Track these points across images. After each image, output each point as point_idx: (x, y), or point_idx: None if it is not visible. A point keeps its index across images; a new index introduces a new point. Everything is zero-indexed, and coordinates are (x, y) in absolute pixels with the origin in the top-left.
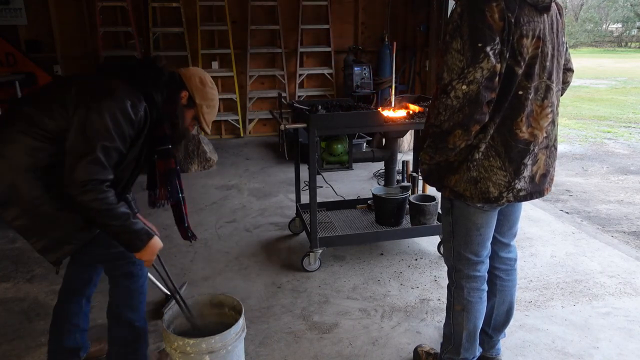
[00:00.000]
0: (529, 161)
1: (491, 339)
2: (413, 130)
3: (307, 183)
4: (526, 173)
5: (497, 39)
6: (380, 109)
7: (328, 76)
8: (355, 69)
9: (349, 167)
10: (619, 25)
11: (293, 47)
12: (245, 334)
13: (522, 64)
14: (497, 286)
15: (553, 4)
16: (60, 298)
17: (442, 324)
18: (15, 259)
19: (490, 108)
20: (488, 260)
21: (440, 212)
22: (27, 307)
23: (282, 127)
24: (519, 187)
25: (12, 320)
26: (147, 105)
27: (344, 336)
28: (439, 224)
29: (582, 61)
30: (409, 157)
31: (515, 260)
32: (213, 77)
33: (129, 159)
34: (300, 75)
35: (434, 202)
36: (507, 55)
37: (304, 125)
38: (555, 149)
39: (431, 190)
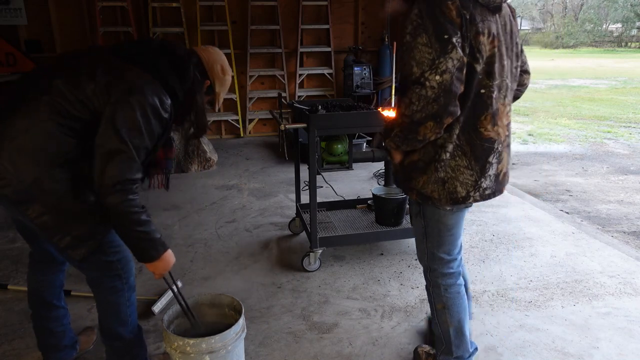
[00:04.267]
0: (494, 159)
1: None
2: None
3: (307, 183)
4: (491, 171)
5: (459, 33)
6: (380, 109)
7: (328, 76)
8: (355, 69)
9: (349, 167)
10: (619, 25)
11: (293, 47)
12: (245, 334)
13: (480, 61)
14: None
15: (505, 6)
16: (40, 311)
17: None
18: (15, 259)
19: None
20: (460, 256)
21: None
22: (27, 307)
23: (282, 127)
24: (485, 186)
25: (12, 320)
26: (171, 102)
27: (344, 336)
28: None
29: (582, 61)
30: None
31: (461, 244)
32: None
33: (151, 155)
34: (300, 75)
35: None
36: (467, 52)
37: (304, 125)
38: (510, 147)
39: None
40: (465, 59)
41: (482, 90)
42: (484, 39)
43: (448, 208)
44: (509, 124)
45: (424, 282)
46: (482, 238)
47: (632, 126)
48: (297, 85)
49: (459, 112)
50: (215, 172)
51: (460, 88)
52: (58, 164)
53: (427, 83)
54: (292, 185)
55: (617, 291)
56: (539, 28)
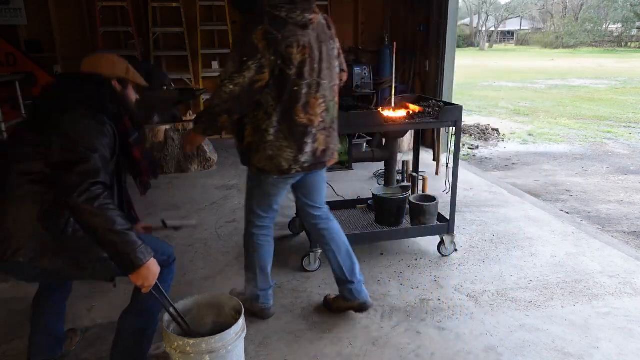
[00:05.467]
0: (309, 140)
1: (354, 284)
2: (413, 130)
3: None
4: (308, 149)
5: (259, 56)
6: (380, 109)
7: None
8: (355, 69)
9: (349, 167)
10: (619, 25)
11: None
12: (245, 334)
13: (292, 67)
14: (326, 237)
15: (321, 20)
16: (46, 290)
17: (441, 324)
18: None
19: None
20: (273, 217)
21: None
22: (27, 307)
23: None
24: (303, 160)
25: (12, 320)
26: (105, 116)
27: (344, 336)
28: (439, 223)
29: (582, 61)
30: (409, 157)
31: (327, 213)
32: (213, 77)
33: (112, 168)
34: None
35: (434, 202)
36: (280, 62)
37: None
38: (334, 130)
39: (431, 190)
40: (258, 77)
41: (295, 88)
42: (294, 50)
43: (275, 177)
44: (323, 112)
45: (424, 282)
46: (482, 238)
47: (632, 126)
48: None
49: (245, 112)
50: (215, 172)
51: (250, 97)
52: (45, 217)
53: (224, 88)
54: None
55: (617, 291)
56: (539, 28)
